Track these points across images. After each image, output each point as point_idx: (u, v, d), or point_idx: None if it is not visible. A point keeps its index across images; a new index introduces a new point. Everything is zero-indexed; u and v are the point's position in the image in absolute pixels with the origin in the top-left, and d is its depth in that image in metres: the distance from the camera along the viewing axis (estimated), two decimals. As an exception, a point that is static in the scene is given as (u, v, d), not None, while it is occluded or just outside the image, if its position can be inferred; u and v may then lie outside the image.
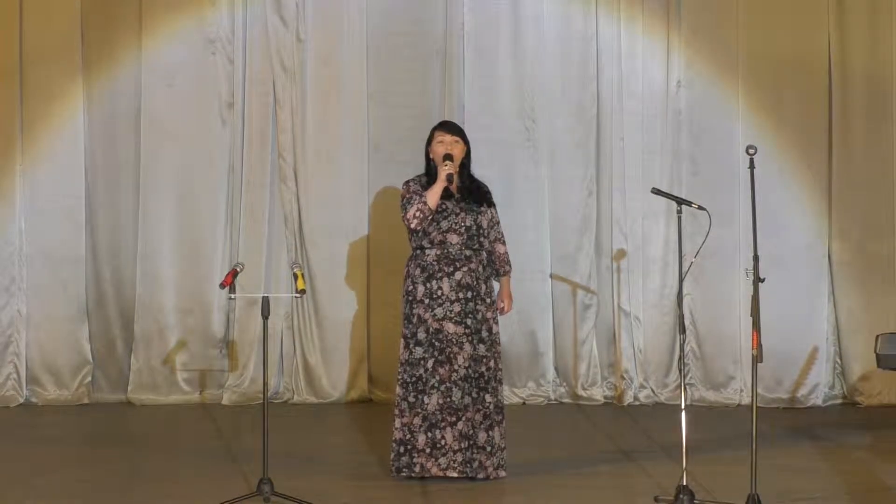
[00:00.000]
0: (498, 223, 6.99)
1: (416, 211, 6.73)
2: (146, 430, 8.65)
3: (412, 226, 6.77)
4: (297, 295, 6.25)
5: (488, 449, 6.73)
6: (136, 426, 8.86)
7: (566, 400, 9.55)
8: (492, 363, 6.80)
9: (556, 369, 9.60)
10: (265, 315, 6.14)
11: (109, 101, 9.50)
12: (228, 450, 7.76)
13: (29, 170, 9.45)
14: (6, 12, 9.38)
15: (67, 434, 8.49)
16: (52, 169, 9.46)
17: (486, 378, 6.76)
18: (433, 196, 6.73)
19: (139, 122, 9.47)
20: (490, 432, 6.74)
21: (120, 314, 9.57)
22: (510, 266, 7.03)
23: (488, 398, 6.76)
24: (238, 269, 6.29)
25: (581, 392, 9.52)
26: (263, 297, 6.15)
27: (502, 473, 6.77)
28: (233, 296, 6.19)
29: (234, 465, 7.21)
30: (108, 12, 9.47)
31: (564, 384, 9.58)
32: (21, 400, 9.43)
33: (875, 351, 8.27)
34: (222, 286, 6.14)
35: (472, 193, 6.90)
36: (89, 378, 9.49)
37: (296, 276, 6.30)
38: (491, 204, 6.97)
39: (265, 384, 6.19)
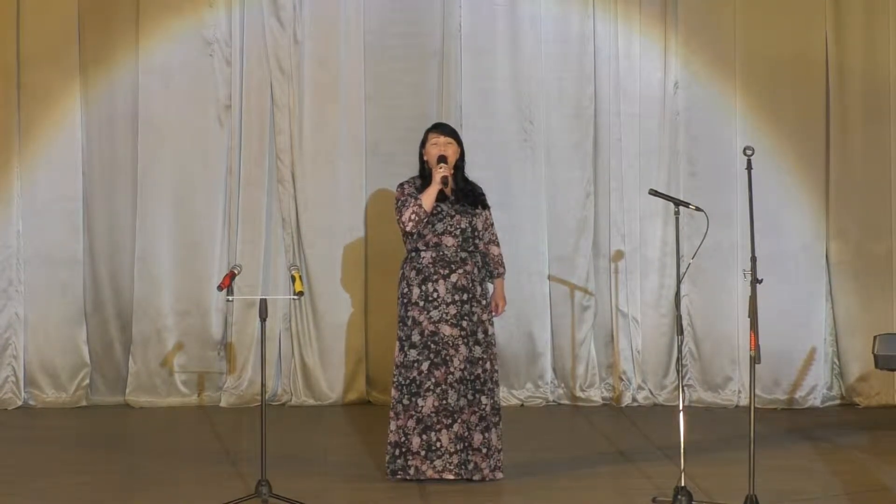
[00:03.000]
0: (492, 225, 6.98)
1: (412, 213, 6.72)
2: (144, 433, 8.65)
3: (408, 228, 6.75)
4: (295, 297, 6.24)
5: (484, 451, 6.71)
6: (134, 428, 8.86)
7: (564, 401, 9.55)
8: (488, 365, 6.78)
9: (555, 371, 9.60)
10: (263, 317, 6.13)
11: (107, 102, 9.50)
12: (226, 452, 7.76)
13: (26, 172, 9.44)
14: (3, 14, 9.37)
15: (65, 437, 8.48)
16: (50, 171, 9.46)
17: (482, 380, 6.75)
18: (428, 198, 6.72)
19: (136, 124, 9.46)
20: (486, 434, 6.72)
21: (118, 316, 9.56)
22: (504, 268, 7.02)
23: (484, 400, 6.74)
24: (236, 271, 6.28)
25: (579, 393, 9.52)
26: (261, 299, 6.14)
27: (499, 475, 6.75)
28: (231, 298, 6.18)
29: (232, 467, 7.21)
30: (105, 14, 9.47)
31: (562, 385, 9.58)
32: (19, 402, 9.42)
33: (873, 351, 8.29)
34: (220, 288, 6.13)
35: (467, 195, 6.89)
36: (87, 380, 9.48)
37: (293, 278, 6.29)
38: (485, 206, 6.96)
39: (263, 386, 6.18)
